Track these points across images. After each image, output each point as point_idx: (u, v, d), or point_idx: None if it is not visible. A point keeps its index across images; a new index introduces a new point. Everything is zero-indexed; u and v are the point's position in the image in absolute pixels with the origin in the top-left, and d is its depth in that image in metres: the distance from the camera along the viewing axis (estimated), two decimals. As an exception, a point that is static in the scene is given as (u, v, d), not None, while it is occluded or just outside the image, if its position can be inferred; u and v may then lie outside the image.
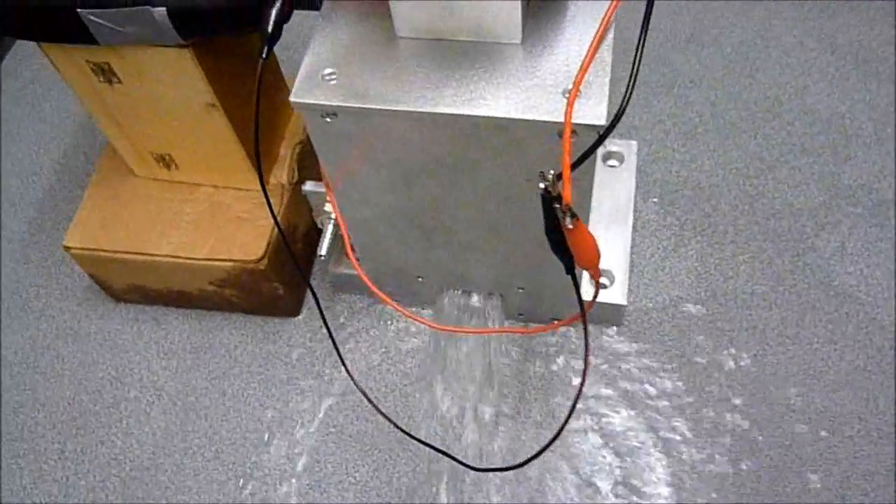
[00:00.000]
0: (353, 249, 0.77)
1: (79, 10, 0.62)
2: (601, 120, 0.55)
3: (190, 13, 0.62)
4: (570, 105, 0.54)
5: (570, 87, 0.56)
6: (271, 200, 0.83)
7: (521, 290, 0.82)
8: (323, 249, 0.77)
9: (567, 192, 0.48)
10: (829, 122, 0.98)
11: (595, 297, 0.57)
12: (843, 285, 0.87)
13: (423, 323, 0.84)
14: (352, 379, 0.78)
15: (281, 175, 0.85)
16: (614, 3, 0.56)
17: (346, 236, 0.75)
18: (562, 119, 0.55)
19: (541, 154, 0.59)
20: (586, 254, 0.50)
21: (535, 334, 0.87)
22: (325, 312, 0.74)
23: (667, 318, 0.87)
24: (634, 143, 0.94)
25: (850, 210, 0.92)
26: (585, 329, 0.55)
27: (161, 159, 0.83)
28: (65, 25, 0.64)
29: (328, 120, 0.60)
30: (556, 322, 0.86)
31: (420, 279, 0.83)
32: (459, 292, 0.84)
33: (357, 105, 0.57)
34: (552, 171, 0.49)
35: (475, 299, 0.84)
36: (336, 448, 0.83)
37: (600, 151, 0.80)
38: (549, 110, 0.56)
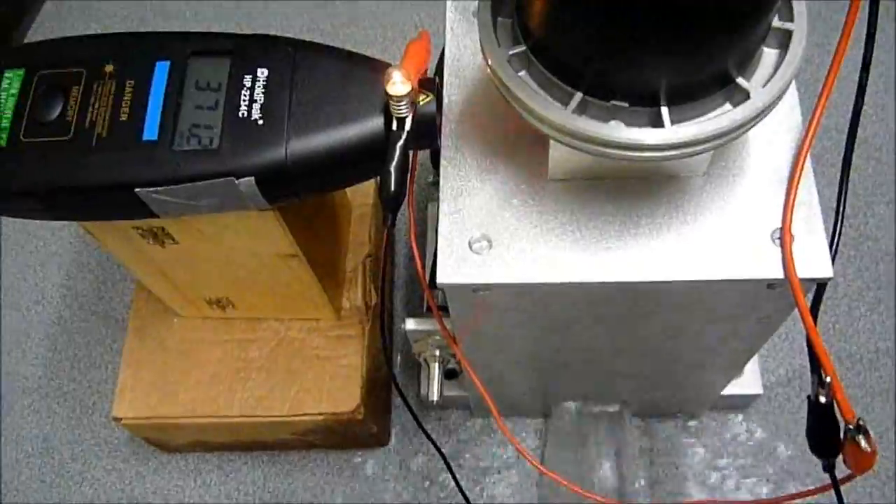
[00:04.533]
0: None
1: (137, 190, 0.49)
2: (827, 270, 0.45)
3: (284, 179, 0.49)
4: (789, 258, 0.45)
5: (778, 228, 0.46)
6: (351, 332, 0.72)
7: (649, 398, 0.73)
8: (434, 395, 0.67)
9: (847, 408, 0.38)
10: (917, 141, 0.91)
11: (846, 480, 0.48)
12: (971, 329, 0.81)
13: (555, 480, 0.70)
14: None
15: (355, 297, 0.73)
16: (816, 119, 0.47)
17: (475, 380, 0.63)
18: (779, 274, 0.45)
19: (737, 302, 0.50)
20: (865, 463, 0.41)
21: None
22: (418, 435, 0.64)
23: (793, 392, 0.80)
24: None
25: (959, 241, 0.85)
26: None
27: (216, 302, 0.70)
28: (117, 205, 0.51)
29: (480, 293, 0.48)
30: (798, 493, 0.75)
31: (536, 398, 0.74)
32: (578, 405, 0.75)
33: (525, 282, 0.46)
34: (828, 378, 0.39)
35: (594, 408, 0.75)
36: None
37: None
38: (761, 263, 0.45)
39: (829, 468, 0.44)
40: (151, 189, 0.49)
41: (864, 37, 0.45)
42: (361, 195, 0.77)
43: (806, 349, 0.81)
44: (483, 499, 0.77)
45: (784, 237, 0.46)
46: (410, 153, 0.50)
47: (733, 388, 0.74)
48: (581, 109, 0.40)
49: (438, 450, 0.65)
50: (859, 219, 0.87)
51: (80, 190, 0.49)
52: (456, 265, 0.47)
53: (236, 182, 0.48)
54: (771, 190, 0.48)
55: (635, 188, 0.48)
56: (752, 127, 0.40)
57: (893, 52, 0.96)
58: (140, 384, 0.72)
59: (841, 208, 0.48)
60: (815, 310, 0.46)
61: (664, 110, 0.39)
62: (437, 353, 0.67)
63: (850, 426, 0.39)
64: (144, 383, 0.72)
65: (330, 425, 0.71)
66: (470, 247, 0.47)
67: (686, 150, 0.39)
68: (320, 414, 0.69)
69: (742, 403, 0.78)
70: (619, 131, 0.38)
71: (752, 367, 0.75)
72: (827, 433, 0.42)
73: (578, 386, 0.71)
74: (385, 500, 0.78)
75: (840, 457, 0.43)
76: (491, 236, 0.47)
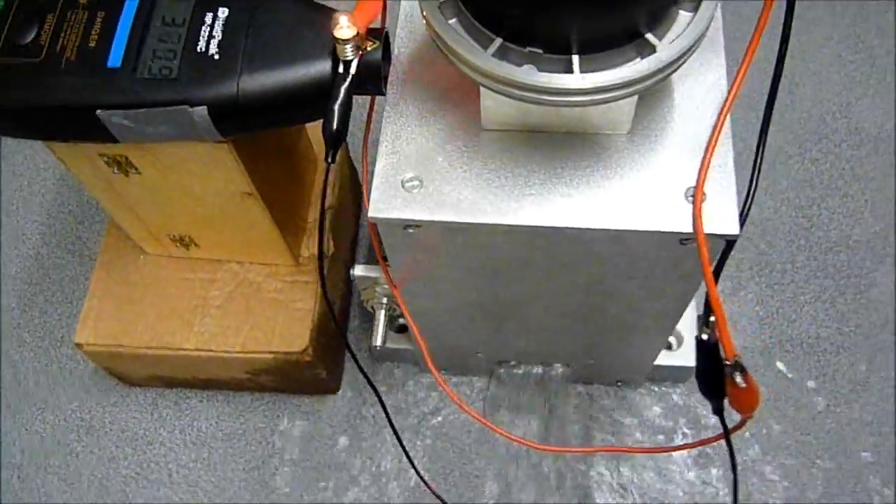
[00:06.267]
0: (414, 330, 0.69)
1: (98, 112, 0.52)
2: (734, 228, 0.48)
3: (235, 111, 0.52)
4: (698, 214, 0.48)
5: (692, 186, 0.49)
6: (307, 278, 0.75)
7: (590, 363, 0.76)
8: (378, 339, 0.70)
9: (729, 346, 0.41)
10: (876, 140, 0.94)
11: (737, 427, 0.51)
12: (910, 323, 0.84)
13: (494, 430, 0.72)
14: (415, 470, 0.72)
15: (313, 246, 0.76)
16: (736, 86, 0.50)
17: (412, 325, 0.67)
18: (689, 229, 0.48)
19: (654, 257, 0.53)
20: (748, 403, 0.44)
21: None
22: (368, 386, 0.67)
23: (733, 370, 0.83)
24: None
25: (907, 239, 0.88)
26: (732, 455, 0.49)
27: (179, 240, 0.74)
28: (79, 126, 0.54)
29: (410, 231, 0.52)
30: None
31: (479, 354, 0.77)
32: (519, 366, 0.78)
33: (450, 220, 0.49)
34: (712, 318, 0.42)
35: (537, 370, 0.78)
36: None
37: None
38: (673, 218, 0.49)
39: (718, 411, 0.47)
40: (111, 112, 0.52)
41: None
42: (329, 151, 0.80)
43: (749, 326, 0.84)
44: (423, 447, 0.80)
45: (696, 195, 0.49)
46: (361, 99, 0.54)
47: (672, 360, 0.78)
48: (501, 55, 0.43)
49: (378, 396, 0.67)
50: (812, 210, 0.90)
51: (45, 108, 0.53)
52: (388, 201, 0.50)
53: (190, 110, 0.51)
54: (690, 152, 0.51)
55: (563, 142, 0.51)
56: (657, 80, 0.43)
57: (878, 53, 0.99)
58: (103, 314, 0.75)
59: (756, 172, 0.51)
60: (720, 265, 0.49)
61: (575, 58, 0.42)
62: (385, 300, 0.70)
63: (728, 363, 0.42)
64: (107, 313, 0.75)
65: (280, 365, 0.74)
66: (402, 185, 0.50)
67: (595, 97, 0.42)
68: (270, 352, 0.72)
69: (681, 376, 0.81)
70: (530, 75, 0.41)
71: (691, 341, 0.78)
72: (713, 374, 0.45)
73: (518, 345, 0.74)
74: (329, 445, 0.81)
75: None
76: (423, 177, 0.51)
